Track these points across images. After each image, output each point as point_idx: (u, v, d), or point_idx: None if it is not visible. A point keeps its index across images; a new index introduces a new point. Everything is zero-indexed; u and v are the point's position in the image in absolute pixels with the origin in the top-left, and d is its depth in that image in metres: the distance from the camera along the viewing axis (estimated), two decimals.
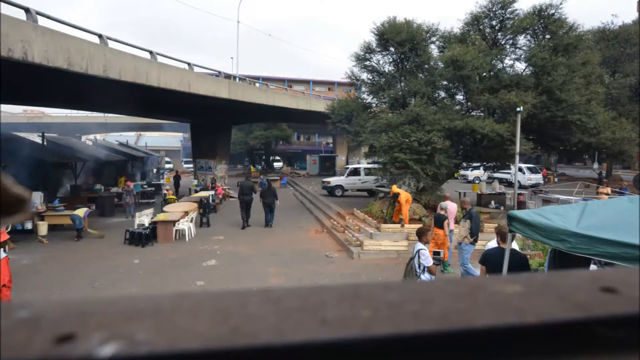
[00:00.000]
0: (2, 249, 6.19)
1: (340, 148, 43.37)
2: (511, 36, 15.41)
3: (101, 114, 38.54)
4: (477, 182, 21.49)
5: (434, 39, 16.73)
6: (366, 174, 21.36)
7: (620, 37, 24.57)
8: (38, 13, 10.53)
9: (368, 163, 23.85)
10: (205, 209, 15.93)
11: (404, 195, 12.66)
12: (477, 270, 7.93)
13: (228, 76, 22.77)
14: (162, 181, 29.41)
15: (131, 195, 18.04)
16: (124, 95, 15.43)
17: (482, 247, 7.91)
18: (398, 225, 12.60)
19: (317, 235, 14.32)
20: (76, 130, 41.84)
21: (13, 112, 44.81)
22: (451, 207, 10.19)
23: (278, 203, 15.59)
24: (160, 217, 13.46)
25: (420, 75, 16.21)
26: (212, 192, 20.47)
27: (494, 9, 15.19)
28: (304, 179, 35.54)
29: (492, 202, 16.70)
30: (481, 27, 15.89)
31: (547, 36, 14.91)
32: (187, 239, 13.26)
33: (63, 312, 0.35)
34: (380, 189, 17.63)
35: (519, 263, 5.41)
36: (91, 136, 42.64)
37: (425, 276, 6.19)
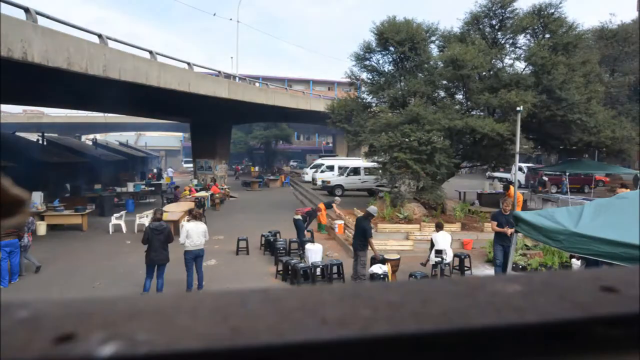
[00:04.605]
0: None
1: (340, 147, 43.33)
2: (511, 35, 15.40)
3: (101, 114, 38.56)
4: None
5: (433, 38, 16.72)
6: (366, 174, 21.37)
7: (618, 36, 24.53)
8: (38, 13, 10.52)
9: (368, 162, 23.79)
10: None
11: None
12: None
13: (228, 76, 22.76)
14: (162, 181, 29.43)
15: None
16: (123, 95, 15.43)
17: None
18: (397, 225, 12.59)
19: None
20: (76, 130, 41.85)
21: (13, 112, 44.81)
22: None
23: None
24: None
25: (420, 74, 16.19)
26: (210, 193, 20.49)
27: (493, 9, 15.18)
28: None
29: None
30: (481, 26, 15.88)
31: (547, 35, 14.90)
32: None
33: (63, 312, 0.35)
34: (380, 188, 17.60)
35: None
36: (91, 136, 42.64)
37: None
